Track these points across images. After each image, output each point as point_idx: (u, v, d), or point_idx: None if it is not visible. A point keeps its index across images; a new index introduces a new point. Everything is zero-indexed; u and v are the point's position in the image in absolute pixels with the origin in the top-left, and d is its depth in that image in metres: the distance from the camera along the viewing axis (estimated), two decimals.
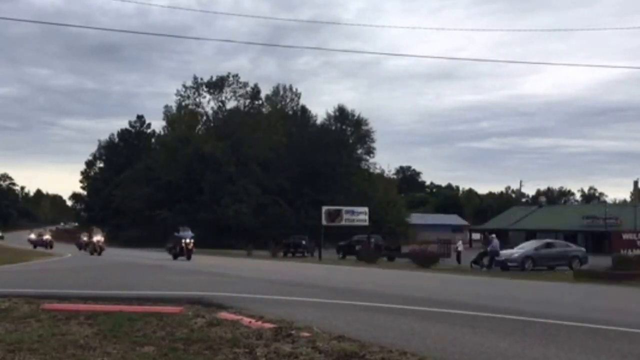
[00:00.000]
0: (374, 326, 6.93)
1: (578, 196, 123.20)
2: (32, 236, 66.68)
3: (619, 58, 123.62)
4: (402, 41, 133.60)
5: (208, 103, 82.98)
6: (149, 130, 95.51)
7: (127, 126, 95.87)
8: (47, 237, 54.73)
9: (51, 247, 49.32)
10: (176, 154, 75.12)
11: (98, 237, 41.98)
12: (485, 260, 30.07)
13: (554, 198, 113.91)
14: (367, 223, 41.63)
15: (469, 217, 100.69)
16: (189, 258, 28.25)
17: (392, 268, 29.07)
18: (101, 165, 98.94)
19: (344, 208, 43.43)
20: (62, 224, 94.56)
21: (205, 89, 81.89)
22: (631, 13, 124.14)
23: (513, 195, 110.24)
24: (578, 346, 5.91)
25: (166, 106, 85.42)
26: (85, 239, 45.03)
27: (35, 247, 51.13)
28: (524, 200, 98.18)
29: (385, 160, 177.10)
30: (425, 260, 30.20)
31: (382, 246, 40.89)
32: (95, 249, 40.13)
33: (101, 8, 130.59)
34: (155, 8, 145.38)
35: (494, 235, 32.05)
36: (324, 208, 41.55)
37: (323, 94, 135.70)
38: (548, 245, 31.49)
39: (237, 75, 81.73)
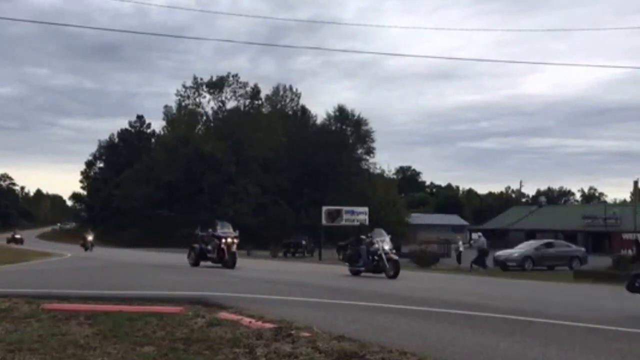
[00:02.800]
0: (374, 326, 6.93)
1: (578, 196, 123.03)
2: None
3: (619, 58, 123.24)
4: (401, 41, 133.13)
5: (208, 103, 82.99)
6: (149, 130, 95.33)
7: (127, 126, 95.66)
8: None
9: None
10: (176, 154, 75.06)
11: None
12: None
13: (554, 198, 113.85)
14: (367, 223, 41.56)
15: (469, 217, 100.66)
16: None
17: None
18: (101, 165, 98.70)
19: (344, 208, 43.29)
20: (58, 225, 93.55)
21: (205, 89, 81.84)
22: (631, 12, 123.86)
23: (513, 195, 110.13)
24: (578, 346, 5.91)
25: (166, 106, 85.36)
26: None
27: None
28: (524, 200, 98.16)
29: (385, 160, 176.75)
30: (425, 260, 30.21)
31: None
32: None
33: (100, 8, 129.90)
34: (154, 8, 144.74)
35: (480, 234, 32.05)
36: (324, 208, 41.47)
37: (323, 94, 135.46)
38: (548, 245, 31.54)
39: (236, 75, 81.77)
